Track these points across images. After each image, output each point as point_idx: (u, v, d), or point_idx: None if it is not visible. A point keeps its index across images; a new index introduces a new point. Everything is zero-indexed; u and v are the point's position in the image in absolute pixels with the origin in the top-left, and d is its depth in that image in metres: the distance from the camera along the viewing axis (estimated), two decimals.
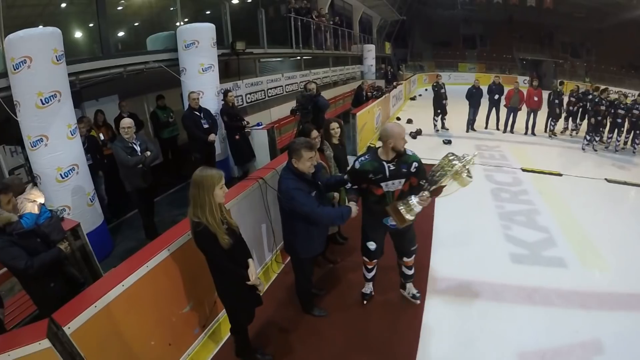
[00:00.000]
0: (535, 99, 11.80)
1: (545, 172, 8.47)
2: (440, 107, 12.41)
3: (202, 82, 7.42)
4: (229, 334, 3.41)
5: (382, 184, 3.36)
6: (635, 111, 10.08)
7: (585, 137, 10.69)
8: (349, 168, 3.58)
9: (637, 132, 10.29)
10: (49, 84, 4.62)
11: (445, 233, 5.59)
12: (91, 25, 6.71)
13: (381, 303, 4.12)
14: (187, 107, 6.77)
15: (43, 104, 4.59)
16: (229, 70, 9.72)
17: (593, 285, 4.44)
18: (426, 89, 23.00)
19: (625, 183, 7.93)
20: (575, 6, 28.40)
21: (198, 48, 7.22)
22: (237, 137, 7.57)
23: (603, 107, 10.42)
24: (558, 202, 6.87)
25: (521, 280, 4.52)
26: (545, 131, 12.21)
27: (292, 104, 7.40)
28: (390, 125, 3.37)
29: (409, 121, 13.69)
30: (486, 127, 12.83)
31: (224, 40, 9.21)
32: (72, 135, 4.97)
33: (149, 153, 5.19)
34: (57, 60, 4.68)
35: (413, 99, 20.86)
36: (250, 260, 2.89)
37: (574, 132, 12.18)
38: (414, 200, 3.21)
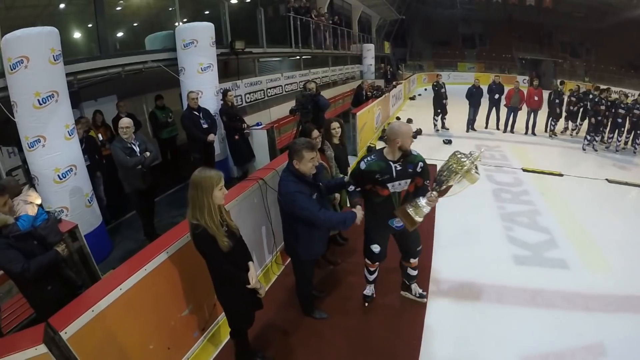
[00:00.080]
0: (536, 98, 11.78)
1: (546, 172, 8.45)
2: (440, 106, 12.38)
3: (201, 81, 7.37)
4: (229, 337, 3.37)
5: (389, 185, 3.30)
6: (635, 111, 10.05)
7: (585, 137, 10.67)
8: (352, 169, 3.50)
9: (638, 132, 10.26)
10: (46, 84, 4.58)
11: (446, 234, 5.56)
12: (90, 25, 6.66)
13: (382, 305, 4.08)
14: (186, 107, 6.72)
15: (40, 104, 4.54)
16: (228, 69, 9.68)
17: (596, 287, 4.40)
18: (425, 89, 23.01)
19: (626, 183, 7.90)
20: (575, 5, 28.38)
21: (197, 47, 7.17)
22: (236, 137, 7.52)
23: (603, 107, 10.40)
24: (559, 202, 6.84)
25: (524, 281, 4.49)
26: (546, 131, 12.19)
27: (292, 103, 7.36)
28: (397, 124, 3.32)
29: (409, 121, 13.58)
30: (486, 127, 12.80)
31: (223, 39, 9.16)
32: (70, 135, 4.92)
33: (148, 154, 5.13)
34: (55, 60, 4.63)
35: (412, 98, 20.84)
36: (250, 263, 2.84)
37: (574, 132, 12.15)
38: (422, 201, 3.17)
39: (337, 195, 4.20)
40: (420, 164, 3.34)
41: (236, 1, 10.76)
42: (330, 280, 4.52)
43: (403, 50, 34.48)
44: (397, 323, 3.84)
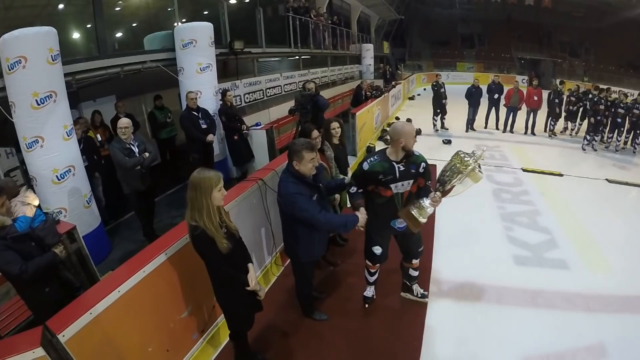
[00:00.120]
0: (535, 98, 11.77)
1: (546, 172, 8.44)
2: (439, 106, 12.36)
3: (200, 81, 7.34)
4: (228, 339, 3.34)
5: (392, 186, 3.28)
6: (635, 111, 10.05)
7: (585, 137, 10.67)
8: (354, 170, 3.47)
9: (637, 131, 10.27)
10: (44, 84, 4.55)
11: (447, 234, 5.54)
12: (89, 26, 6.64)
13: (383, 306, 4.06)
14: (185, 107, 6.70)
15: (38, 104, 4.52)
16: (227, 69, 9.66)
17: (596, 287, 4.39)
18: (425, 89, 22.99)
19: (626, 183, 7.89)
20: (574, 5, 28.41)
21: (196, 47, 7.15)
22: (235, 137, 7.50)
23: (602, 107, 10.40)
24: (559, 202, 6.83)
25: (524, 282, 4.48)
26: (545, 131, 12.18)
27: (291, 103, 7.34)
28: (400, 124, 3.29)
29: (408, 121, 13.59)
30: (486, 127, 12.79)
31: (222, 39, 9.14)
32: (68, 136, 4.90)
33: (147, 154, 5.09)
34: (53, 60, 4.61)
35: (412, 98, 20.83)
36: (250, 265, 2.81)
37: (574, 132, 12.14)
38: (426, 202, 3.16)
39: (337, 196, 4.18)
40: (423, 164, 3.33)
41: (235, 1, 10.74)
42: (330, 281, 4.50)
43: (402, 50, 34.48)
44: (398, 324, 3.82)
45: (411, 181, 3.33)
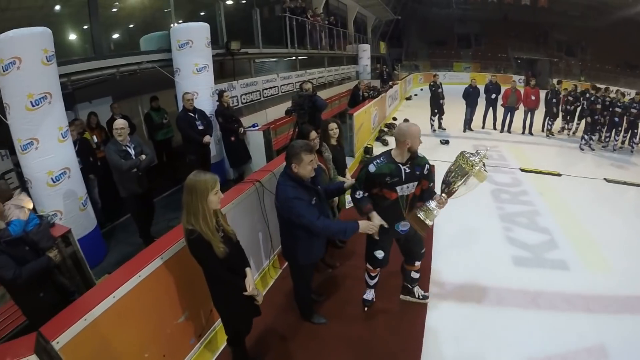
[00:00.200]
0: (533, 98, 11.81)
1: (544, 172, 8.44)
2: (437, 106, 12.36)
3: (197, 82, 7.30)
4: (226, 343, 3.30)
5: (397, 188, 3.23)
6: (633, 110, 10.07)
7: (582, 137, 10.68)
8: (359, 174, 3.39)
9: (635, 131, 10.29)
10: (39, 85, 4.50)
11: (446, 235, 5.51)
12: (85, 27, 6.60)
13: (382, 309, 4.02)
14: (182, 109, 6.64)
15: (33, 106, 4.46)
16: (223, 70, 9.63)
17: (597, 288, 4.38)
18: (422, 89, 23.01)
19: (624, 183, 7.89)
20: (570, 5, 28.50)
21: (192, 48, 7.11)
22: (232, 138, 7.45)
23: (599, 106, 10.40)
24: (558, 202, 6.82)
25: (524, 283, 4.45)
26: (543, 131, 12.18)
27: (288, 104, 7.30)
28: (405, 125, 3.24)
29: (406, 121, 13.57)
30: (483, 127, 12.79)
31: (218, 40, 9.11)
32: (64, 138, 4.84)
33: (144, 156, 4.99)
34: (48, 61, 4.55)
35: (409, 98, 20.83)
36: (247, 269, 2.75)
37: (571, 132, 12.15)
38: (432, 204, 3.11)
39: (335, 198, 4.14)
40: (427, 166, 3.31)
41: (232, 2, 10.70)
42: (328, 284, 4.45)
43: (399, 51, 34.51)
44: (397, 326, 3.78)
45: (415, 183, 3.29)
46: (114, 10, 7.71)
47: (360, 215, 3.30)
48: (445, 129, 12.64)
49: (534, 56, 30.64)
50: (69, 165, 4.90)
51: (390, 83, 18.02)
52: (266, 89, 11.04)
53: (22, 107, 4.42)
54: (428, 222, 3.11)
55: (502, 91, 12.19)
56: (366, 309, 3.99)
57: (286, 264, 4.32)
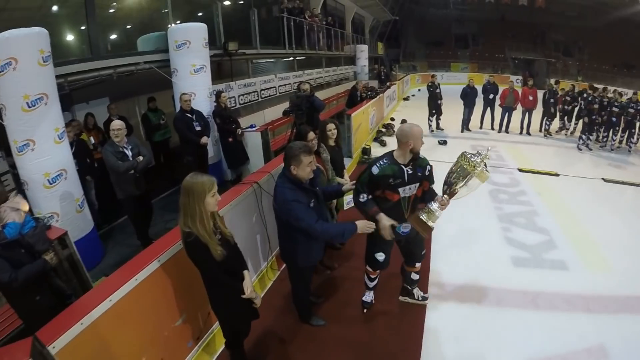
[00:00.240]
0: (530, 98, 11.83)
1: (542, 172, 8.45)
2: (435, 107, 12.37)
3: (194, 83, 7.26)
4: (224, 346, 3.27)
5: (400, 189, 3.21)
6: (630, 110, 10.09)
7: (580, 137, 10.70)
8: (361, 177, 3.33)
9: (632, 131, 10.32)
10: (35, 86, 4.46)
11: (445, 236, 5.49)
12: (83, 27, 6.56)
13: (382, 310, 4.00)
14: (179, 109, 6.61)
15: (29, 107, 4.42)
16: (221, 71, 9.60)
17: (596, 288, 4.38)
18: (419, 89, 23.03)
19: (622, 182, 7.90)
20: (568, 5, 28.58)
21: (189, 48, 7.07)
22: (230, 139, 7.42)
23: (596, 106, 10.42)
24: (557, 202, 6.83)
25: (524, 284, 4.45)
26: (540, 131, 12.21)
27: (286, 105, 7.28)
28: (407, 126, 3.22)
29: (403, 121, 13.57)
30: (481, 127, 12.81)
31: (216, 40, 9.09)
32: (60, 139, 4.80)
33: (141, 158, 4.96)
34: (44, 62, 4.51)
35: (406, 99, 20.83)
36: (245, 272, 2.73)
37: (568, 132, 12.17)
38: (434, 205, 3.09)
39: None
40: (428, 167, 3.29)
41: (229, 2, 10.68)
42: (327, 285, 4.43)
43: (396, 51, 34.48)
44: (397, 327, 3.77)
45: (417, 184, 3.28)
46: (111, 10, 7.68)
47: (367, 219, 3.25)
48: (443, 129, 12.65)
49: (532, 56, 30.69)
50: (65, 166, 4.86)
51: (388, 83, 18.02)
52: (264, 89, 11.04)
53: (18, 108, 4.38)
54: (430, 223, 3.08)
55: (500, 91, 12.19)
56: (365, 310, 3.97)
57: (284, 265, 4.31)
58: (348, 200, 3.89)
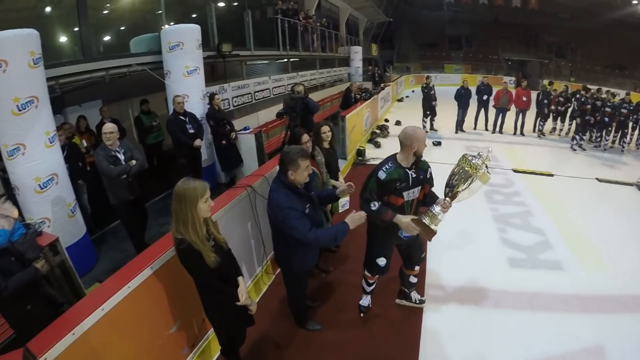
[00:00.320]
0: (524, 99, 11.88)
1: (537, 172, 8.47)
2: (429, 108, 12.39)
3: (187, 85, 7.21)
4: (219, 353, 3.23)
5: (404, 193, 3.19)
6: (622, 110, 10.16)
7: (573, 137, 10.75)
8: (368, 185, 3.25)
9: (625, 131, 10.39)
10: (25, 89, 4.38)
11: (440, 237, 5.44)
12: (76, 29, 6.49)
13: (378, 314, 3.98)
14: (172, 112, 6.55)
15: (20, 110, 4.35)
16: (215, 73, 9.56)
17: (592, 288, 4.39)
18: (413, 91, 23.07)
19: (616, 182, 7.94)
20: (560, 7, 28.72)
21: (183, 50, 7.02)
22: (223, 142, 7.38)
23: (589, 107, 10.48)
24: (551, 203, 6.84)
25: (520, 285, 4.45)
26: (534, 131, 12.25)
27: (280, 107, 7.24)
28: (411, 129, 3.17)
29: (398, 123, 13.67)
30: (475, 128, 12.84)
31: (209, 42, 9.03)
32: (51, 143, 4.73)
33: (134, 162, 4.84)
34: (34, 64, 4.44)
35: (400, 100, 20.83)
36: (240, 278, 2.68)
37: (562, 132, 12.22)
38: (436, 209, 3.07)
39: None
40: (429, 170, 3.29)
41: (223, 3, 10.63)
42: (323, 289, 4.40)
43: (390, 52, 34.55)
44: (394, 331, 3.74)
45: (419, 188, 3.26)
46: (104, 12, 7.60)
47: (384, 224, 3.23)
48: (437, 131, 12.67)
49: (525, 57, 30.85)
50: (56, 171, 4.79)
51: (382, 85, 18.05)
52: (258, 91, 10.99)
53: (9, 112, 4.30)
54: (433, 227, 3.06)
55: (494, 92, 12.23)
56: (362, 315, 3.94)
57: (279, 269, 4.27)
58: (343, 203, 3.86)
